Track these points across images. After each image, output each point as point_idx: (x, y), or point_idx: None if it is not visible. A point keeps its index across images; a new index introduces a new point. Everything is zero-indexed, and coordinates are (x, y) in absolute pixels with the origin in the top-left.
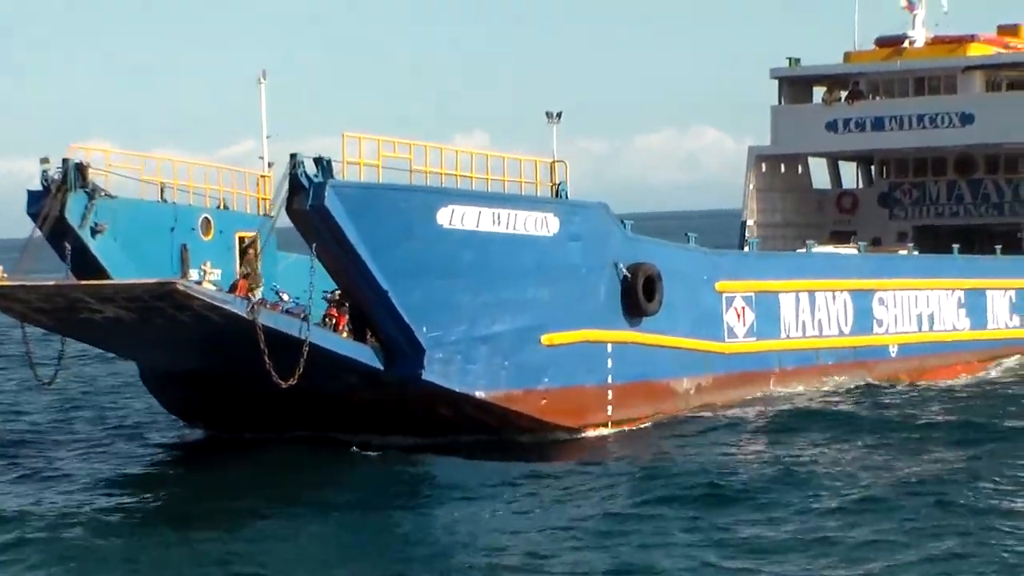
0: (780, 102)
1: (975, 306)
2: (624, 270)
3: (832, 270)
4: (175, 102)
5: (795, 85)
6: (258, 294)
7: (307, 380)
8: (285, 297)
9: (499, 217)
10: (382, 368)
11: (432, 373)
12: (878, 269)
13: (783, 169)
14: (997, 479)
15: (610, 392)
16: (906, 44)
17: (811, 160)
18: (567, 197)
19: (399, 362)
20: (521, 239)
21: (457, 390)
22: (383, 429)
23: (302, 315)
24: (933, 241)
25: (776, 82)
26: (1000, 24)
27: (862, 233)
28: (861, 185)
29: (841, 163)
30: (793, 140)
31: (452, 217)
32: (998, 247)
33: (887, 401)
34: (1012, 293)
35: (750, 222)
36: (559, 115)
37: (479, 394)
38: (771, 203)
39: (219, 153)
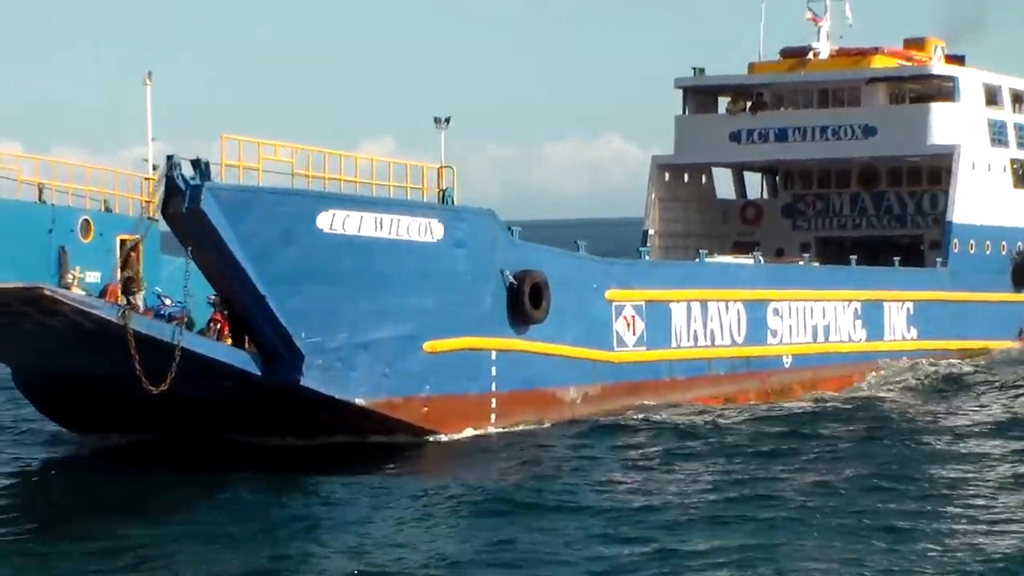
0: (684, 112)
1: (872, 317)
2: (510, 277)
3: (725, 280)
4: (78, 102)
5: (699, 95)
6: (140, 298)
7: (185, 384)
8: (168, 301)
9: (381, 222)
10: (259, 374)
11: (311, 379)
12: (772, 280)
13: (687, 179)
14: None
15: (494, 400)
16: (810, 55)
17: (717, 170)
18: (453, 203)
19: (277, 368)
20: (404, 245)
21: (337, 397)
22: (264, 431)
23: (184, 319)
24: (837, 253)
25: (680, 92)
26: (906, 37)
27: (766, 244)
28: (766, 196)
29: (747, 173)
30: (696, 150)
31: (333, 222)
32: (896, 259)
33: (750, 416)
34: (910, 305)
35: (652, 231)
36: (447, 120)
37: (359, 401)
38: (674, 213)
39: (121, 155)
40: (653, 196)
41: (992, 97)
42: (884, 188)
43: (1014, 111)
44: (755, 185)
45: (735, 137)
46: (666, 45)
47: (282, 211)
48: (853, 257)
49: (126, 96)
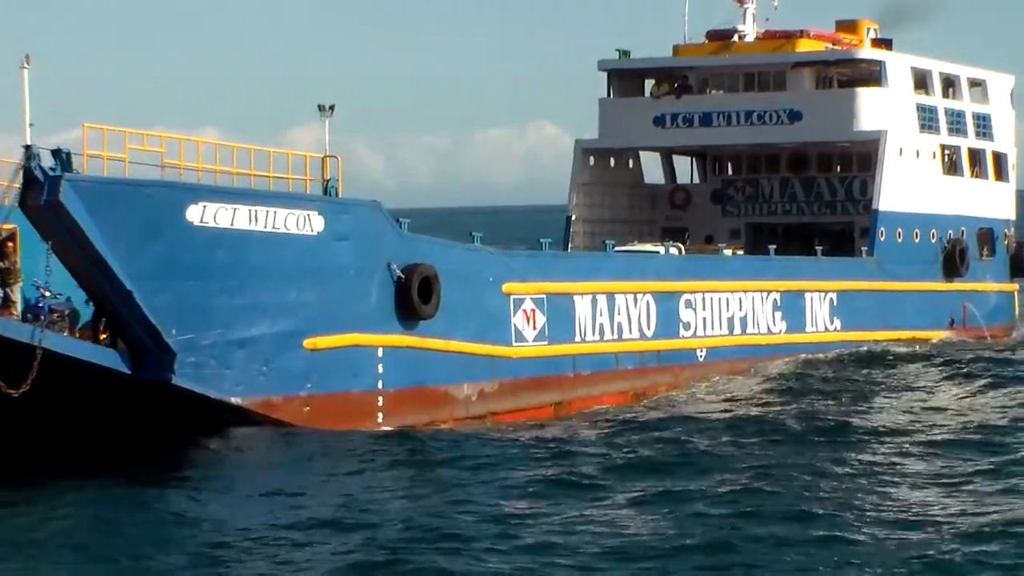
0: (609, 95)
1: (792, 308)
2: (398, 271)
3: (633, 271)
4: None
5: (625, 78)
6: (17, 290)
7: (58, 381)
8: (47, 294)
9: (256, 215)
10: (129, 372)
11: (184, 378)
12: (684, 270)
13: (613, 163)
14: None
15: (380, 398)
16: (736, 38)
17: (649, 154)
18: (337, 195)
19: (148, 366)
20: (281, 238)
21: (212, 396)
22: (151, 427)
23: (67, 312)
24: (768, 239)
25: (605, 74)
26: (839, 20)
27: (695, 230)
28: (697, 180)
29: (677, 157)
30: (620, 134)
31: (203, 214)
32: (819, 247)
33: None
34: (833, 295)
35: (575, 217)
36: (332, 108)
37: (235, 400)
38: (599, 198)
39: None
40: (577, 181)
41: (921, 82)
42: (814, 174)
43: (946, 96)
44: (687, 169)
45: (659, 121)
46: (596, 29)
47: (148, 203)
48: (772, 246)
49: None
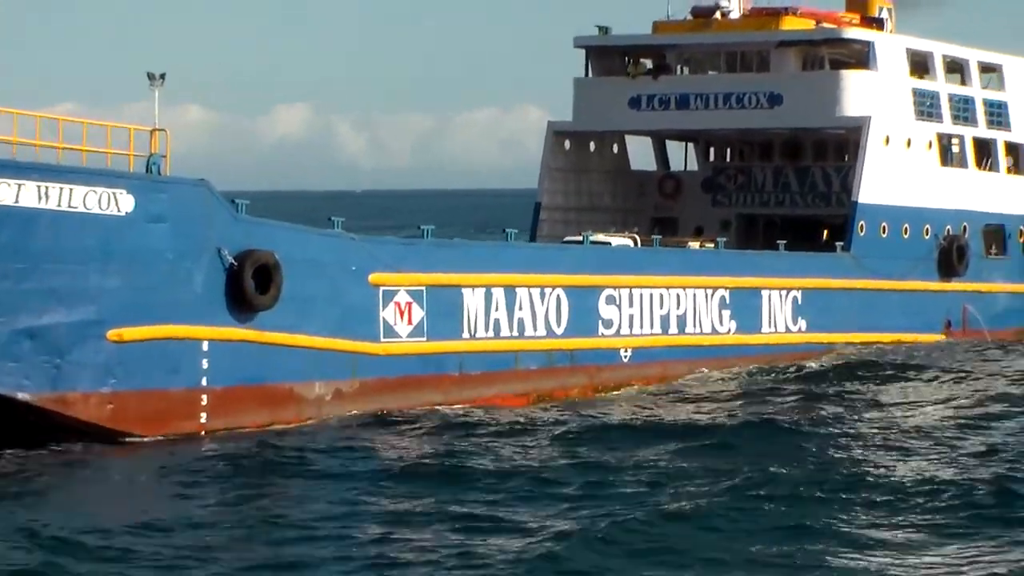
0: (587, 74)
1: (744, 307)
2: (230, 258)
3: (540, 263)
4: None
5: (603, 56)
6: None
7: None
8: None
9: (47, 192)
10: None
11: None
12: (606, 263)
13: (593, 147)
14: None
15: (205, 397)
16: (719, 15)
17: (641, 138)
18: (159, 172)
19: None
20: (79, 218)
21: None
22: None
23: None
24: (765, 232)
25: (582, 53)
26: None
27: (685, 221)
28: (696, 167)
29: (675, 142)
30: (596, 116)
31: None
32: (781, 242)
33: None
34: (797, 293)
35: (546, 204)
36: (163, 77)
37: (22, 396)
38: (575, 185)
39: None
40: (550, 166)
41: (921, 66)
42: (809, 163)
43: (958, 82)
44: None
45: (635, 103)
46: (582, 7)
47: None
48: (722, 239)
49: None
